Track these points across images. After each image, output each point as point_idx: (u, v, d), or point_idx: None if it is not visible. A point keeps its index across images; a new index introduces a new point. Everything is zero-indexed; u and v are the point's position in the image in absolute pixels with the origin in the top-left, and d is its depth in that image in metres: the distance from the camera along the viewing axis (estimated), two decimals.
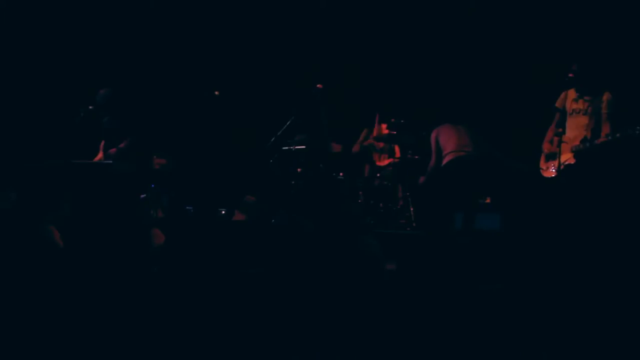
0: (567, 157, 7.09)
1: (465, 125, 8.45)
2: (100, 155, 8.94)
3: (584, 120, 7.14)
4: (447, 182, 8.23)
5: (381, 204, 9.49)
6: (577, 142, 7.06)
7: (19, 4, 11.07)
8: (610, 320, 5.59)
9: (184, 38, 11.38)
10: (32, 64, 11.06)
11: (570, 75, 7.16)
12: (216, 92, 9.00)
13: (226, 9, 11.36)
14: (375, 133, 9.95)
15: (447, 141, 8.35)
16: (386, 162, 9.82)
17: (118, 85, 9.16)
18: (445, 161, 8.26)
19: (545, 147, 7.38)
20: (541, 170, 7.45)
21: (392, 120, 9.68)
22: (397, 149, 9.93)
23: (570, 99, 7.26)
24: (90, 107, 8.73)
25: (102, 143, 8.99)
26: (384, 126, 9.94)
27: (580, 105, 7.19)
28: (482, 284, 5.90)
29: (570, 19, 9.22)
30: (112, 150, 8.67)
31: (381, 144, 10.03)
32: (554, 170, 7.20)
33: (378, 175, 9.58)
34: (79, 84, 10.34)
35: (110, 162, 8.42)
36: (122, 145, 8.70)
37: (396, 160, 9.69)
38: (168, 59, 11.35)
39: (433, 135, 8.48)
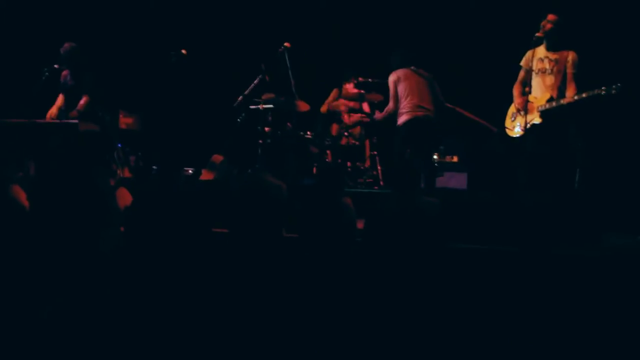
0: (533, 117, 7.11)
1: (426, 76, 8.39)
2: (54, 110, 8.81)
3: (549, 79, 7.16)
4: (404, 140, 8.21)
5: (349, 163, 9.51)
6: (543, 102, 7.08)
7: None
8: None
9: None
10: None
11: (538, 34, 7.15)
12: (183, 51, 8.93)
13: None
14: (343, 92, 9.92)
15: (405, 94, 8.27)
16: (354, 121, 9.80)
17: (84, 42, 9.07)
18: (403, 119, 8.21)
19: (518, 103, 7.35)
20: (506, 130, 7.47)
21: (360, 79, 9.66)
22: (365, 108, 9.91)
23: (536, 58, 7.27)
24: (56, 66, 8.65)
25: (60, 97, 8.89)
26: (351, 85, 9.92)
27: (546, 64, 7.21)
28: (451, 243, 5.97)
29: None
30: (73, 113, 8.58)
31: (350, 103, 10.01)
32: (519, 130, 7.23)
33: (346, 134, 9.57)
34: (44, 42, 10.21)
35: (76, 121, 8.36)
36: (81, 103, 8.62)
37: (364, 119, 9.68)
38: (135, 17, 11.23)
39: (392, 78, 8.37)
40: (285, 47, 8.58)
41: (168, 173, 6.25)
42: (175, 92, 10.02)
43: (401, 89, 8.25)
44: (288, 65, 8.41)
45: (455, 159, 9.14)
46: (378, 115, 8.79)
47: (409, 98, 8.21)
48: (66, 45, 8.76)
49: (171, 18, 11.14)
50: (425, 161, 8.30)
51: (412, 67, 8.38)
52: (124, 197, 6.35)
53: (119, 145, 9.34)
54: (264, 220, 6.15)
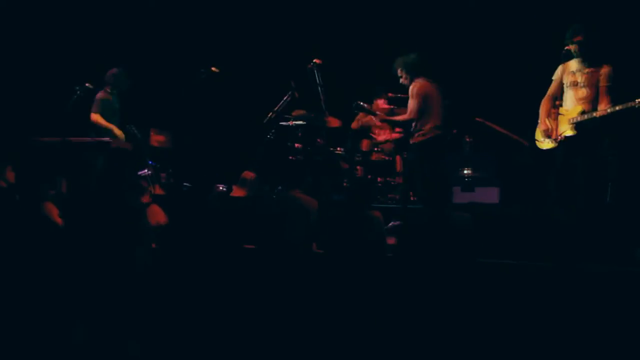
0: (564, 129, 7.05)
1: (441, 90, 8.21)
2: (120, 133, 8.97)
3: (582, 92, 7.06)
4: (421, 159, 8.14)
5: (380, 179, 9.49)
6: (575, 115, 7.02)
7: None
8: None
9: (181, 14, 11.34)
10: (30, 42, 11.05)
11: (568, 47, 7.09)
12: (213, 68, 8.97)
13: None
14: (374, 108, 9.88)
15: (428, 112, 8.05)
16: (385, 137, 9.79)
17: (116, 62, 9.18)
18: (421, 139, 8.04)
19: (544, 121, 7.30)
20: (537, 142, 7.38)
21: (390, 94, 9.64)
22: None
23: (568, 71, 7.20)
24: (87, 85, 8.73)
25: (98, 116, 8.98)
26: (382, 101, 9.89)
27: (578, 77, 7.12)
28: (482, 258, 5.95)
29: None
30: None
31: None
32: (550, 142, 7.15)
33: (376, 150, 9.55)
34: (75, 61, 10.34)
35: (109, 139, 8.45)
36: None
37: (395, 134, 9.65)
38: (166, 34, 11.33)
39: (420, 90, 8.03)
40: (315, 63, 8.56)
41: (200, 190, 6.31)
42: (206, 109, 10.09)
43: (426, 105, 8.11)
44: (318, 81, 8.40)
45: (486, 173, 9.11)
46: (382, 115, 8.59)
47: (431, 118, 8.07)
48: (114, 70, 9.02)
49: (201, 35, 11.23)
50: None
51: (431, 80, 8.25)
52: (156, 214, 6.38)
53: (150, 162, 9.40)
54: (295, 235, 6.17)
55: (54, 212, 6.77)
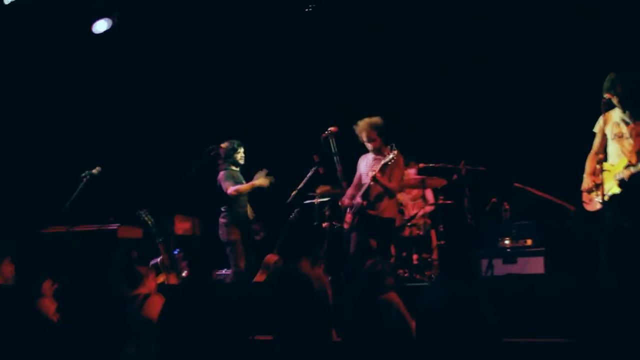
0: (610, 187, 6.30)
1: None
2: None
3: (628, 144, 6.39)
4: None
5: (415, 255, 8.85)
6: (620, 169, 6.30)
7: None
8: None
9: (193, 90, 11.27)
10: (38, 130, 11.05)
11: (607, 95, 6.39)
12: (222, 145, 8.66)
13: (241, 63, 11.16)
14: (404, 180, 9.24)
15: None
16: (416, 210, 9.17)
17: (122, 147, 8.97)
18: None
19: (590, 180, 6.58)
20: (584, 204, 6.65)
21: (421, 165, 9.06)
22: (428, 195, 9.25)
23: (611, 122, 6.51)
24: (94, 171, 8.40)
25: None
26: (413, 171, 9.30)
27: (623, 128, 6.45)
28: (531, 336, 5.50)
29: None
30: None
31: (412, 192, 9.42)
32: (598, 202, 6.38)
33: (409, 225, 8.92)
34: (80, 149, 10.30)
35: (115, 227, 8.10)
36: None
37: (428, 207, 9.04)
38: (185, 118, 11.14)
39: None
40: (331, 131, 7.99)
41: (199, 277, 5.80)
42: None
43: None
44: (334, 150, 7.84)
45: (529, 242, 8.38)
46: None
47: None
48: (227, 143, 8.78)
49: (218, 113, 11.06)
50: None
51: None
52: (156, 306, 5.81)
53: (175, 251, 8.99)
54: (311, 322, 5.51)
55: (50, 309, 6.33)
